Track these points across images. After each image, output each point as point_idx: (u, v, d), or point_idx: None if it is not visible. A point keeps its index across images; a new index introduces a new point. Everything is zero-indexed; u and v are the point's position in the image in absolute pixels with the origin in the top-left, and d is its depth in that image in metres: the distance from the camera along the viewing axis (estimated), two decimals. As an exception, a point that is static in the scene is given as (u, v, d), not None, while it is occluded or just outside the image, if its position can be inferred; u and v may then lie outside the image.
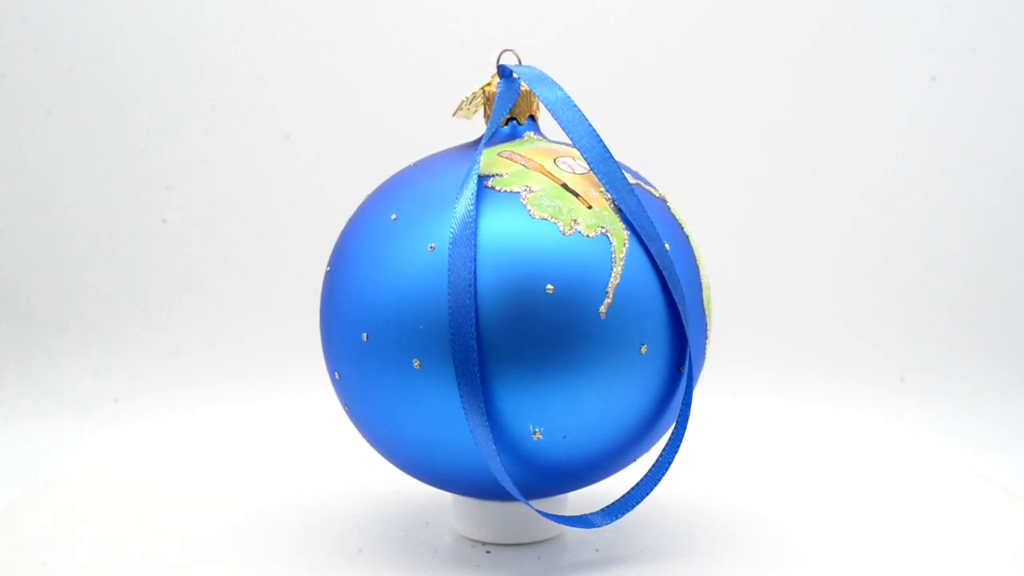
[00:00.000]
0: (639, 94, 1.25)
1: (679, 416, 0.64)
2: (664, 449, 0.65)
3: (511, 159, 0.64)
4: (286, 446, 0.91)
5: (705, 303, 0.65)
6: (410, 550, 0.69)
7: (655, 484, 0.64)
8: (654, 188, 0.66)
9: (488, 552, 0.70)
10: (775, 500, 0.77)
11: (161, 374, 1.19)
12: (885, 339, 1.21)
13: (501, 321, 0.59)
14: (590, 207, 0.61)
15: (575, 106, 0.65)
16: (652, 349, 0.61)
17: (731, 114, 1.24)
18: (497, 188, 0.62)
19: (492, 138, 0.67)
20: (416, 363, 0.60)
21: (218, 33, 1.24)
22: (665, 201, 0.66)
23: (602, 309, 0.59)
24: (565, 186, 0.62)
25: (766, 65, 1.24)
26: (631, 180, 0.64)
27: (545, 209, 0.61)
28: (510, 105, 0.66)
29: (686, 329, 0.61)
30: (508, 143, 0.66)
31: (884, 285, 1.22)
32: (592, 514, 0.63)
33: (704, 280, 0.65)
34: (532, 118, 0.68)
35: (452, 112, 0.67)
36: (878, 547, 0.69)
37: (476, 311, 0.58)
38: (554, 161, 0.64)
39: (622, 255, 0.60)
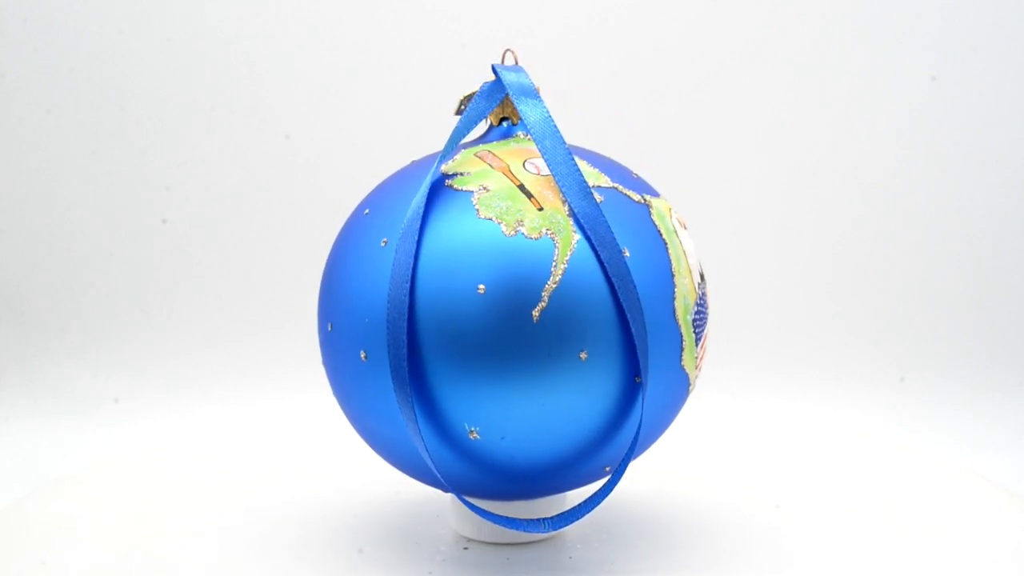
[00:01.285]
0: (639, 94, 1.25)
1: (638, 429, 0.61)
2: (619, 463, 0.63)
3: (483, 158, 0.64)
4: (286, 446, 0.92)
5: (680, 313, 0.62)
6: (410, 550, 0.69)
7: (602, 499, 0.63)
8: (635, 193, 0.63)
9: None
10: (774, 500, 0.77)
11: (161, 374, 1.19)
12: (885, 339, 1.21)
13: (437, 318, 0.59)
14: (541, 209, 0.61)
15: (542, 105, 0.64)
16: (594, 356, 0.59)
17: (731, 114, 1.24)
18: (455, 187, 0.62)
19: (487, 136, 0.67)
20: (363, 355, 0.61)
21: (218, 33, 1.24)
22: (649, 207, 0.63)
23: (535, 312, 0.59)
24: (522, 187, 0.62)
25: (766, 65, 1.24)
26: (609, 183, 0.62)
27: (492, 209, 0.61)
28: (492, 106, 0.66)
29: (635, 339, 0.59)
30: (496, 142, 0.66)
31: (884, 285, 1.22)
32: (543, 519, 0.63)
33: (683, 290, 0.62)
34: None
35: (454, 111, 0.67)
36: (878, 547, 0.69)
37: (412, 306, 0.59)
38: (524, 162, 0.63)
39: (565, 259, 0.59)
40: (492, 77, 0.67)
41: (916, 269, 1.22)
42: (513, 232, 0.60)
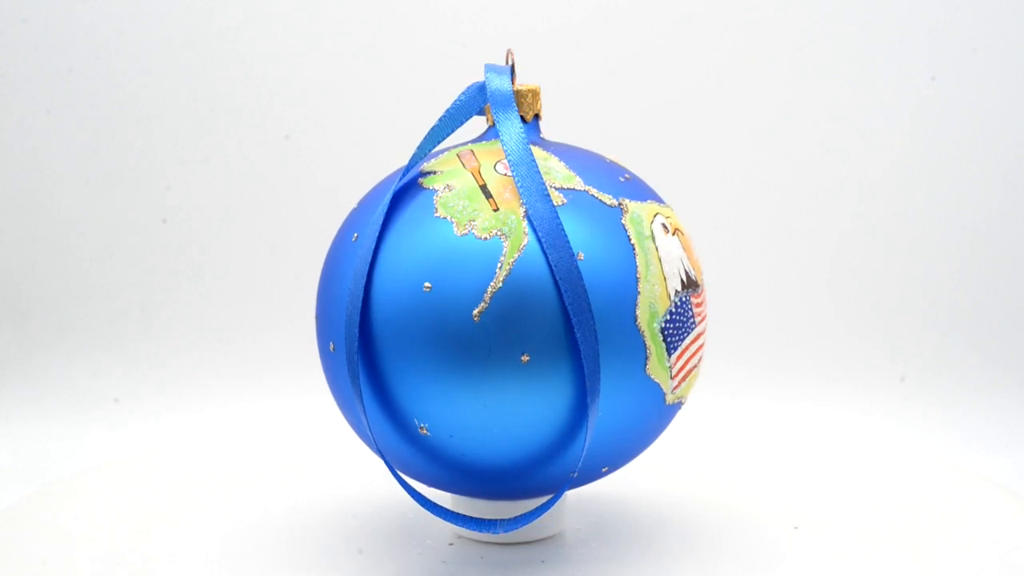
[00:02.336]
0: (639, 94, 1.25)
1: (586, 437, 0.61)
2: (571, 474, 0.62)
3: (460, 157, 0.65)
4: (286, 446, 0.92)
5: (643, 321, 0.61)
6: (410, 550, 0.69)
7: (549, 507, 0.63)
8: (609, 197, 0.62)
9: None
10: (775, 500, 0.77)
11: (161, 374, 1.19)
12: (885, 339, 1.21)
13: (389, 313, 0.60)
14: (496, 210, 0.61)
15: (512, 104, 0.64)
16: (537, 360, 0.59)
17: (730, 114, 1.24)
18: (423, 185, 0.63)
19: (484, 135, 0.68)
20: (331, 346, 0.63)
21: (218, 33, 1.24)
22: (623, 210, 0.62)
23: (476, 312, 0.59)
24: (484, 187, 0.62)
25: (766, 65, 1.24)
26: (581, 186, 0.62)
27: (448, 209, 0.61)
28: (478, 106, 0.66)
29: (580, 344, 0.58)
30: (484, 142, 0.67)
31: (884, 285, 1.22)
32: (496, 521, 0.63)
33: (649, 297, 0.61)
34: (537, 117, 0.68)
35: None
36: (878, 547, 0.69)
37: (369, 301, 0.61)
38: (496, 163, 0.63)
39: (511, 261, 0.59)
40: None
41: (916, 269, 1.22)
42: (464, 232, 0.60)
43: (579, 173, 0.63)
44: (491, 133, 0.68)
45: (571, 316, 0.58)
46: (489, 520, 0.63)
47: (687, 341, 0.63)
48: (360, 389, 0.61)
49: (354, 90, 1.24)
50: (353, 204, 0.68)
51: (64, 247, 1.23)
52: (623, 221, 0.62)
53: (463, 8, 1.24)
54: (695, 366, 0.65)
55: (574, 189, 0.62)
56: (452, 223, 0.61)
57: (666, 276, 0.62)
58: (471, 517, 0.63)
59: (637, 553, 0.68)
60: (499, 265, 0.59)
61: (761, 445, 0.91)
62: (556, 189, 0.62)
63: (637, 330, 0.60)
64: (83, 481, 0.83)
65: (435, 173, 0.64)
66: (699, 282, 0.65)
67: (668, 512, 0.75)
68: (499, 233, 0.60)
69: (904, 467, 0.85)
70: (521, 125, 0.63)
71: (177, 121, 1.24)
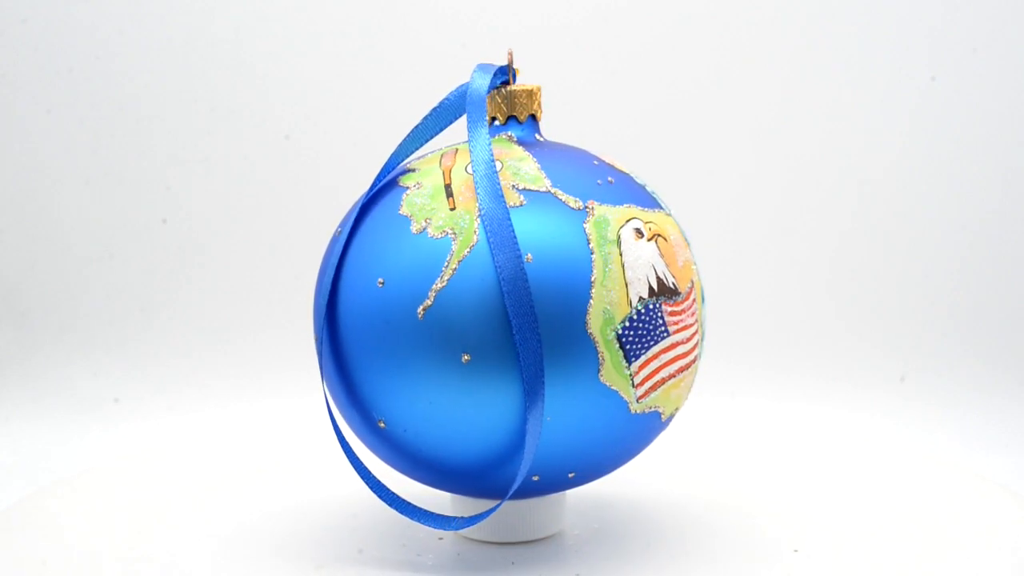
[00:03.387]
0: (639, 93, 1.25)
1: (523, 440, 0.61)
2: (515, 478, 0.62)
3: (443, 156, 0.65)
4: (286, 446, 0.92)
5: (595, 326, 0.60)
6: (410, 550, 0.69)
7: (495, 509, 0.63)
8: (574, 199, 0.62)
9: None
10: (774, 500, 0.77)
11: (161, 374, 1.19)
12: (885, 339, 1.21)
13: (349, 307, 0.62)
14: (453, 209, 0.61)
15: (482, 104, 0.64)
16: (478, 360, 0.59)
17: (731, 113, 1.24)
18: (400, 182, 0.65)
19: (505, 132, 0.68)
20: (315, 339, 0.65)
21: (218, 33, 1.24)
22: (589, 213, 0.61)
23: (420, 310, 0.60)
24: (448, 186, 0.63)
25: (766, 64, 1.24)
26: (547, 187, 0.62)
27: (411, 206, 0.62)
28: (461, 109, 0.66)
29: (519, 346, 0.58)
30: (496, 139, 0.67)
31: (884, 285, 1.22)
32: (454, 517, 0.64)
33: (603, 302, 0.60)
34: (533, 117, 0.68)
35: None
36: (878, 547, 0.69)
37: (336, 295, 0.63)
38: (467, 164, 0.64)
39: (459, 260, 0.60)
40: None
41: (916, 269, 1.22)
42: (419, 229, 0.61)
43: (552, 174, 0.63)
44: (496, 131, 0.68)
45: (511, 318, 0.58)
46: (445, 517, 0.64)
47: (655, 350, 0.61)
48: (326, 384, 0.64)
49: (354, 90, 1.24)
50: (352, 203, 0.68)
51: (64, 247, 1.23)
52: (584, 224, 0.61)
53: (463, 8, 1.24)
54: (671, 376, 0.63)
55: (537, 191, 0.62)
56: (411, 220, 0.62)
57: (628, 282, 0.61)
58: (428, 513, 0.64)
59: (637, 553, 0.68)
60: (446, 264, 0.60)
61: (761, 445, 0.91)
62: (518, 190, 0.62)
63: (588, 335, 0.60)
64: (83, 481, 0.83)
65: (414, 171, 0.65)
66: (680, 290, 0.63)
67: (668, 512, 0.75)
68: (451, 232, 0.60)
69: (904, 467, 0.85)
70: (486, 126, 0.63)
71: (177, 121, 1.24)
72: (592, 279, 0.60)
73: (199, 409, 1.15)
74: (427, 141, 0.67)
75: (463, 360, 0.59)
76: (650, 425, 0.64)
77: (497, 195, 0.60)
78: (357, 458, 0.66)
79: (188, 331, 1.22)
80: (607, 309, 0.60)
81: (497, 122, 0.68)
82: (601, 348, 0.60)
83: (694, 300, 0.64)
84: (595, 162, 0.65)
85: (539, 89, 0.68)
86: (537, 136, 0.68)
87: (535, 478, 0.63)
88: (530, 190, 0.62)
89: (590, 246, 0.60)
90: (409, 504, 0.65)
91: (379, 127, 1.23)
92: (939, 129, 1.23)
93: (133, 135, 1.24)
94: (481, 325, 0.59)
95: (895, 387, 1.17)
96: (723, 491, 0.79)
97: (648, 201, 0.65)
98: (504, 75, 0.67)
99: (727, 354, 1.12)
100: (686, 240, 0.66)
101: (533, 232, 0.60)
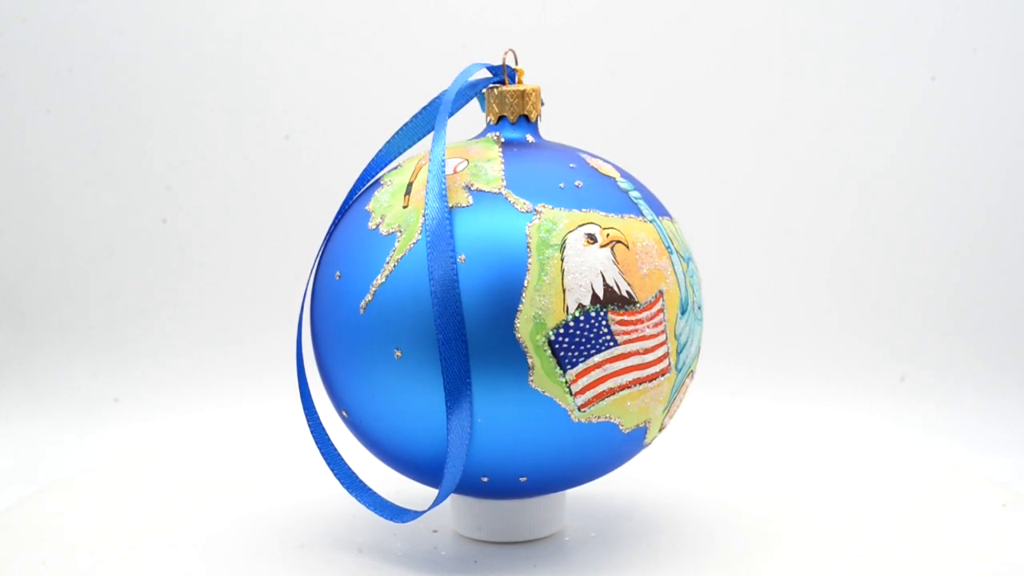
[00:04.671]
0: (638, 93, 1.25)
1: (446, 443, 0.61)
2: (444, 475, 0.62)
3: (425, 155, 0.66)
4: (287, 446, 0.91)
5: (524, 331, 0.59)
6: (410, 550, 0.69)
7: (432, 507, 0.63)
8: (523, 201, 0.61)
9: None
10: (774, 500, 0.77)
11: (161, 374, 1.19)
12: (885, 339, 1.21)
13: (317, 300, 0.65)
14: (406, 207, 0.62)
15: (448, 108, 0.65)
16: (409, 357, 0.60)
17: (731, 113, 1.24)
18: (381, 179, 0.67)
19: (483, 133, 0.68)
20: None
21: (218, 33, 1.24)
22: (535, 215, 0.61)
23: (362, 304, 0.61)
24: (410, 184, 0.64)
25: (766, 65, 1.24)
26: (499, 188, 0.62)
27: (375, 202, 0.64)
28: (461, 103, 0.67)
29: (440, 346, 0.58)
30: (466, 140, 0.68)
31: (884, 285, 1.22)
32: (406, 510, 0.65)
33: (535, 308, 0.59)
34: (526, 118, 0.67)
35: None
36: (878, 547, 0.69)
37: (311, 286, 0.66)
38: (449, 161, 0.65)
39: (398, 257, 0.61)
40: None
41: (916, 269, 1.22)
42: (374, 226, 0.63)
43: (511, 176, 0.62)
44: (487, 131, 0.68)
45: (435, 317, 0.58)
46: (400, 509, 0.65)
47: (598, 359, 0.60)
48: (300, 370, 0.68)
49: (354, 90, 1.24)
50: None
51: (64, 247, 1.23)
52: (527, 227, 0.60)
53: (463, 8, 1.24)
54: (623, 387, 0.61)
55: (488, 192, 0.62)
56: (370, 216, 0.63)
57: (566, 288, 0.59)
58: (385, 503, 0.66)
59: (636, 553, 0.68)
60: (387, 260, 0.61)
61: (761, 445, 0.91)
62: (471, 191, 0.62)
63: (516, 340, 0.59)
64: (83, 481, 0.83)
65: (397, 168, 0.67)
66: (637, 299, 0.61)
67: (667, 512, 0.75)
68: (398, 230, 0.62)
69: (904, 467, 0.85)
70: (445, 126, 0.64)
71: (177, 121, 1.24)
72: (525, 283, 0.59)
73: (199, 409, 1.15)
74: (416, 140, 0.68)
75: (396, 356, 0.60)
76: (605, 436, 0.62)
77: (441, 196, 0.61)
78: (325, 445, 0.68)
79: (188, 331, 1.22)
80: (538, 314, 0.59)
81: (491, 122, 0.68)
82: (531, 353, 0.59)
83: (660, 311, 0.62)
84: (572, 165, 0.64)
85: (534, 90, 0.67)
86: (528, 137, 0.67)
87: (484, 479, 0.63)
88: (482, 191, 0.62)
89: (528, 250, 0.60)
90: (369, 494, 0.67)
91: (379, 127, 1.23)
92: (939, 129, 1.23)
93: (133, 135, 1.23)
94: (413, 323, 0.60)
95: (895, 387, 1.17)
96: (723, 491, 0.79)
97: (624, 207, 0.63)
98: (504, 74, 0.67)
99: (727, 354, 1.12)
100: (667, 248, 0.63)
101: (474, 233, 0.60)
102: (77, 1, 1.22)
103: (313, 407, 0.69)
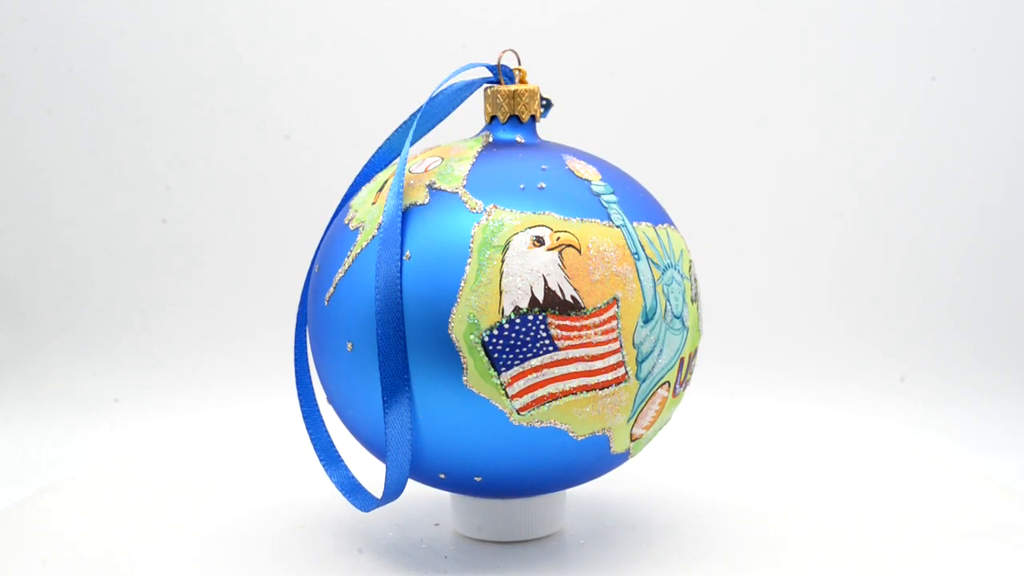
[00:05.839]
0: (638, 93, 1.25)
1: (384, 437, 0.62)
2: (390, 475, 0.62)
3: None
4: (287, 445, 0.91)
5: (457, 331, 0.59)
6: (409, 550, 0.69)
7: (384, 503, 0.64)
8: (475, 200, 0.61)
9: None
10: (774, 500, 0.77)
11: (161, 374, 1.19)
12: (885, 339, 1.21)
13: (306, 292, 0.68)
14: (374, 203, 0.64)
15: (418, 111, 0.66)
16: (359, 350, 0.61)
17: (730, 113, 1.24)
18: (376, 177, 0.68)
19: (478, 134, 0.68)
20: None
21: (218, 33, 1.24)
22: (485, 215, 0.60)
23: (326, 296, 0.63)
24: (385, 182, 0.65)
25: (766, 64, 1.24)
26: (455, 187, 0.62)
27: (358, 198, 0.66)
28: (458, 100, 0.68)
29: (379, 340, 0.59)
30: (461, 140, 0.68)
31: (884, 285, 1.22)
32: (374, 499, 0.66)
33: (469, 308, 0.59)
34: (517, 119, 0.67)
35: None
36: (878, 547, 0.69)
37: (309, 276, 0.68)
38: (420, 159, 0.66)
39: (356, 252, 0.62)
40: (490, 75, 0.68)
41: (916, 269, 1.22)
42: (348, 220, 0.65)
43: (474, 176, 0.62)
44: (482, 131, 0.68)
45: (376, 312, 0.59)
46: (366, 496, 0.67)
47: (535, 363, 0.59)
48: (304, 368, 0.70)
49: (354, 90, 1.24)
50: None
51: (64, 247, 1.23)
52: (473, 228, 0.60)
53: (463, 8, 1.24)
54: (565, 393, 0.60)
55: (445, 190, 0.62)
56: (350, 211, 0.65)
57: (504, 290, 0.59)
58: (354, 484, 0.68)
59: (636, 553, 0.68)
60: (348, 255, 0.63)
61: (761, 445, 0.91)
62: (432, 189, 0.62)
63: (450, 339, 0.59)
64: (83, 481, 0.83)
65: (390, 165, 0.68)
66: (583, 305, 0.59)
67: (668, 512, 0.75)
68: (362, 225, 0.63)
69: (904, 467, 0.85)
70: (412, 125, 0.66)
71: (177, 121, 1.24)
72: (462, 283, 0.59)
73: (199, 409, 1.15)
74: (419, 138, 0.68)
75: (348, 348, 0.62)
76: (555, 442, 0.61)
77: (398, 193, 0.62)
78: (310, 406, 0.70)
79: (188, 331, 1.22)
80: (472, 315, 0.59)
81: (487, 122, 0.68)
82: (464, 353, 0.59)
83: (612, 318, 0.60)
84: (544, 167, 0.63)
85: (526, 91, 0.67)
86: (518, 138, 0.67)
87: (442, 476, 0.63)
88: (441, 190, 0.62)
89: (470, 249, 0.60)
90: (342, 471, 0.68)
91: (379, 127, 1.23)
92: (939, 129, 1.23)
93: (133, 135, 1.24)
94: (363, 317, 0.61)
95: (895, 387, 1.17)
96: (723, 491, 0.79)
97: (589, 211, 0.61)
98: (499, 74, 0.67)
99: (727, 354, 1.12)
100: (634, 254, 0.61)
101: (423, 231, 0.61)
102: (77, 1, 1.22)
103: (307, 374, 0.71)
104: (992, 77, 1.22)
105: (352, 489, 0.68)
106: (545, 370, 0.59)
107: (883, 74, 1.23)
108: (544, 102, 0.68)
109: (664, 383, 0.63)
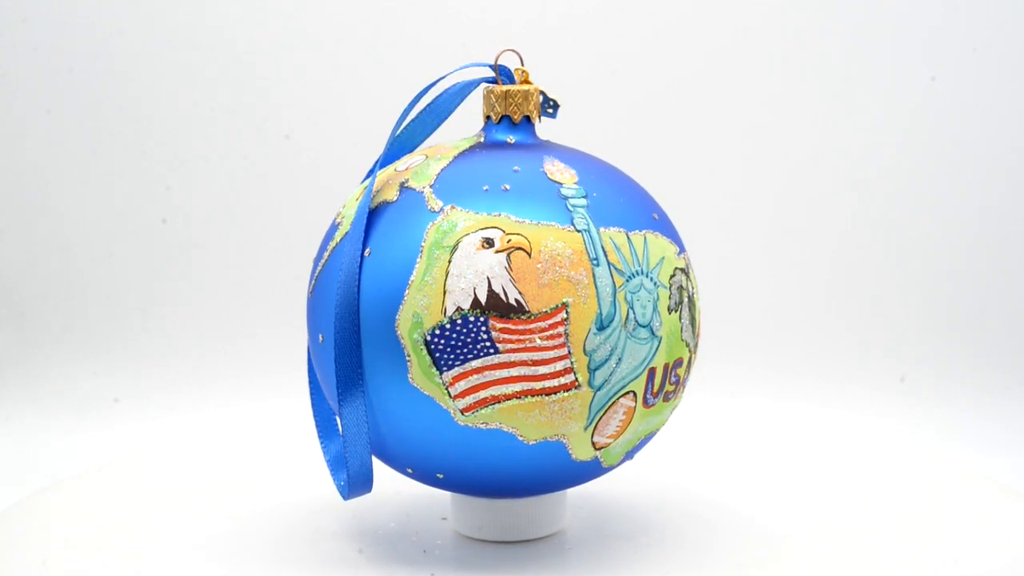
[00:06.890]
0: (638, 93, 1.25)
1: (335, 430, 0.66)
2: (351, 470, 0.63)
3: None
4: (287, 445, 0.92)
5: (403, 328, 0.59)
6: (410, 550, 0.69)
7: (355, 496, 0.65)
8: (436, 200, 0.61)
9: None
10: (774, 500, 0.77)
11: (161, 374, 1.19)
12: (885, 339, 1.21)
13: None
14: (357, 199, 0.65)
15: (403, 113, 0.68)
16: (326, 343, 0.63)
17: (730, 113, 1.24)
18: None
19: (478, 133, 0.68)
20: None
21: (218, 33, 1.24)
22: (441, 215, 0.61)
23: (309, 288, 0.66)
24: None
25: (765, 64, 1.24)
26: (424, 186, 0.62)
27: (351, 196, 0.67)
28: (457, 101, 0.68)
29: (336, 335, 0.60)
30: (455, 140, 0.68)
31: (883, 285, 1.22)
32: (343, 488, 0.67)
33: (415, 306, 0.59)
34: (510, 119, 0.67)
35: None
36: (878, 547, 0.69)
37: None
38: (409, 157, 0.67)
39: (332, 248, 0.64)
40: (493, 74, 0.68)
41: (915, 269, 1.22)
42: (336, 217, 0.67)
43: (444, 176, 0.63)
44: (480, 131, 0.68)
45: (334, 307, 0.61)
46: (343, 485, 0.67)
47: (476, 365, 0.59)
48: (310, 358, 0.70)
49: (354, 90, 1.24)
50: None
51: (64, 247, 1.23)
52: (427, 227, 0.61)
53: (463, 8, 1.24)
54: (508, 397, 0.59)
55: (413, 189, 0.63)
56: (343, 208, 0.67)
57: (448, 290, 0.59)
58: (343, 472, 0.68)
59: (636, 553, 0.68)
60: (327, 250, 0.65)
61: (761, 445, 0.91)
62: (404, 188, 0.63)
63: (396, 336, 0.60)
64: (83, 481, 0.83)
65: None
66: (529, 309, 0.59)
67: (667, 512, 0.75)
68: (340, 222, 0.65)
69: (904, 467, 0.85)
70: (397, 127, 0.67)
71: (177, 121, 1.24)
72: (410, 281, 0.60)
73: (199, 409, 1.15)
74: (425, 137, 0.69)
75: (319, 340, 0.64)
76: (503, 445, 0.61)
77: (368, 189, 0.63)
78: (321, 399, 0.71)
79: (188, 331, 1.22)
80: (416, 313, 0.59)
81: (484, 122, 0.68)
82: (409, 351, 0.60)
83: (560, 323, 0.59)
84: (516, 168, 0.63)
85: (518, 92, 0.67)
86: (509, 138, 0.66)
87: (409, 470, 0.65)
88: (411, 189, 0.63)
89: (421, 248, 0.60)
90: (335, 446, 0.70)
91: (379, 127, 1.23)
92: (939, 129, 1.23)
93: (133, 135, 1.23)
94: (330, 310, 0.62)
95: (895, 387, 1.17)
96: (723, 491, 0.79)
97: (550, 214, 0.61)
98: (496, 74, 0.67)
99: (727, 354, 1.12)
100: (592, 260, 0.60)
101: (386, 229, 0.62)
102: (77, 1, 1.22)
103: (313, 391, 0.72)
104: (992, 77, 1.22)
105: (341, 468, 0.69)
106: (487, 372, 0.59)
107: (883, 74, 1.23)
108: (551, 103, 0.68)
109: (627, 393, 0.61)
